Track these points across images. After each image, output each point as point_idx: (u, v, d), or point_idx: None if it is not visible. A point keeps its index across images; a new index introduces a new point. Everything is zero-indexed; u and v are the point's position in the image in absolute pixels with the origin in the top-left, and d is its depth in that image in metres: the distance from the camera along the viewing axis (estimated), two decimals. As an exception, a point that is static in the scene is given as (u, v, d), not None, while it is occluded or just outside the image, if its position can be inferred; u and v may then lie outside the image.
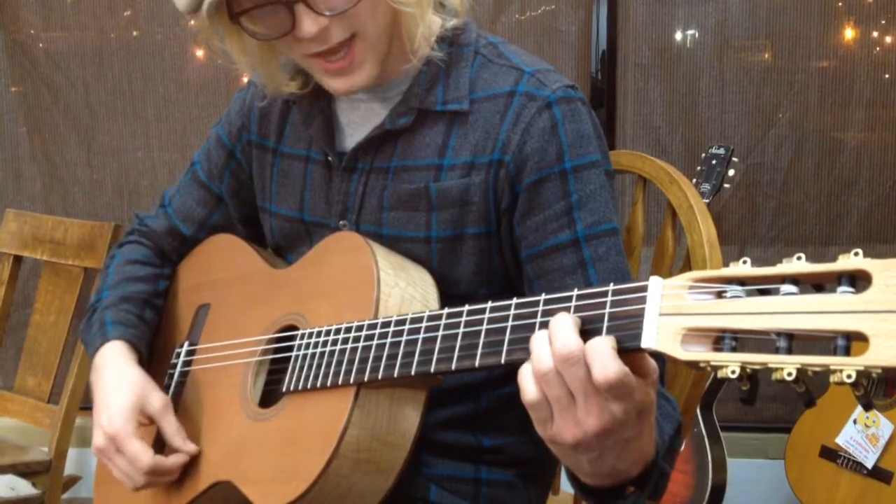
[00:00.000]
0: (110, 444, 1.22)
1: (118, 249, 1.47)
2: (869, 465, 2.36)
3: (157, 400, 1.26)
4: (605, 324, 0.83)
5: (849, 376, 0.64)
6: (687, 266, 1.36)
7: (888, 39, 2.72)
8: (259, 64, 1.21)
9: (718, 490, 2.41)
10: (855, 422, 2.40)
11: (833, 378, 0.65)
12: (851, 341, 0.66)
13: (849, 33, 2.72)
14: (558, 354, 0.82)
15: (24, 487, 2.21)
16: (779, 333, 0.69)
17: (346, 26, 1.11)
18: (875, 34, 2.73)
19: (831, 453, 2.43)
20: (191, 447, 1.24)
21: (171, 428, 1.25)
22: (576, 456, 0.87)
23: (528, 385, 0.85)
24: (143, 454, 1.21)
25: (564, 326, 0.83)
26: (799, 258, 0.70)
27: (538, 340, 0.85)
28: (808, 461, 2.48)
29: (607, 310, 0.84)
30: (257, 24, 1.13)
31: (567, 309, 0.86)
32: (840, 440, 2.41)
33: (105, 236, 2.38)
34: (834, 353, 0.66)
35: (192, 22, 1.15)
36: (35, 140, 2.93)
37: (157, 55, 2.88)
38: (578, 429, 0.83)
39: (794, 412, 2.51)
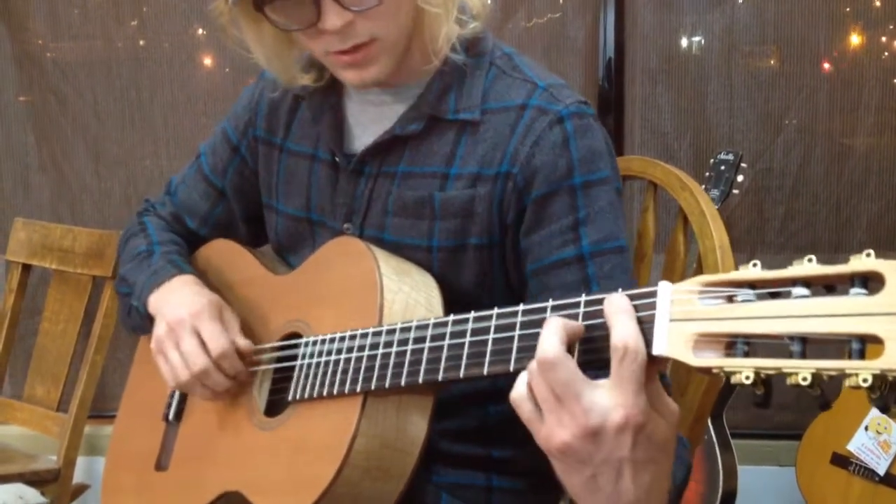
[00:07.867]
0: (183, 322, 1.20)
1: (145, 217, 1.47)
2: (881, 471, 2.34)
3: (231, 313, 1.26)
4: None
5: (864, 380, 0.63)
6: (699, 272, 1.35)
7: (896, 44, 2.71)
8: (274, 55, 1.21)
9: (729, 497, 2.39)
10: (866, 428, 2.38)
11: (848, 382, 0.64)
12: (866, 344, 0.65)
13: (856, 38, 2.71)
14: (538, 359, 0.81)
15: (33, 496, 2.21)
16: (792, 337, 0.68)
17: (370, 25, 1.10)
18: (883, 39, 2.71)
19: (843, 460, 2.41)
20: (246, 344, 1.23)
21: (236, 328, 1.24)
22: (567, 471, 0.82)
23: (518, 382, 0.84)
24: (223, 335, 1.19)
25: (548, 331, 0.82)
26: (810, 260, 0.69)
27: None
28: (819, 468, 2.46)
29: (617, 316, 0.83)
30: (281, 14, 1.13)
31: (575, 315, 0.85)
32: (851, 447, 2.39)
33: (113, 245, 2.37)
34: (849, 356, 0.65)
35: (213, 7, 1.16)
36: (43, 149, 2.93)
37: (165, 64, 2.89)
38: (565, 431, 0.79)
39: (806, 419, 2.49)
